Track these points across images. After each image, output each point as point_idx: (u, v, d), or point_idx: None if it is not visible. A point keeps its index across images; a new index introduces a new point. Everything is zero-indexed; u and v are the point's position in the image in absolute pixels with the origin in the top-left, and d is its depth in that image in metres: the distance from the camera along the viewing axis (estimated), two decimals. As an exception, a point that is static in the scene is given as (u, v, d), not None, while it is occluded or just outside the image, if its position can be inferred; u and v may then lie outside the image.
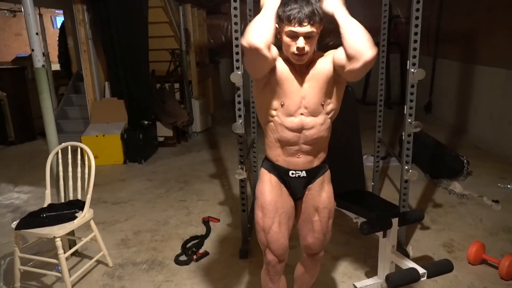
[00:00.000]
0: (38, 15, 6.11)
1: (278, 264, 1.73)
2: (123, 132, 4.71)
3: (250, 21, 3.25)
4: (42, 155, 2.45)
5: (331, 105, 1.62)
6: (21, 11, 2.32)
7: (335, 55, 1.53)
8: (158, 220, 3.23)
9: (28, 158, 5.12)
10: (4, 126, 5.72)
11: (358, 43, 1.41)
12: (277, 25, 1.47)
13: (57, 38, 6.86)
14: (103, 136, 4.63)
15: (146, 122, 4.92)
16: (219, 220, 3.16)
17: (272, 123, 1.64)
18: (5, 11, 9.52)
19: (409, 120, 2.39)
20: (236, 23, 2.36)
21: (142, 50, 4.93)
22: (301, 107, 1.57)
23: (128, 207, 3.51)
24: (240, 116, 2.43)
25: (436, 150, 4.10)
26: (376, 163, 3.36)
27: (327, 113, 1.63)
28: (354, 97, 2.60)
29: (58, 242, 2.17)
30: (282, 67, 1.54)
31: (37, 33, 2.37)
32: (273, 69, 1.54)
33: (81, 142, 4.51)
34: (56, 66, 7.13)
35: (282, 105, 1.57)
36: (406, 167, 2.46)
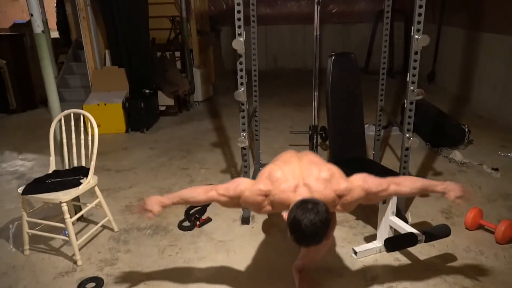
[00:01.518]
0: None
1: None
2: (125, 101, 4.70)
3: (252, -14, 3.18)
4: (45, 124, 2.45)
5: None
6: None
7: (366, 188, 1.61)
8: (161, 188, 3.28)
9: (31, 127, 5.14)
10: (5, 94, 5.71)
11: None
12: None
13: (55, 5, 6.72)
14: (105, 105, 4.63)
15: (147, 91, 4.90)
16: (221, 187, 3.20)
17: None
18: (1, -24, 9.29)
19: (412, 87, 2.38)
20: (238, -12, 2.30)
21: (142, 17, 4.85)
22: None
23: (131, 175, 3.56)
24: (242, 84, 2.42)
25: (437, 119, 4.09)
26: (378, 132, 3.37)
27: None
28: (357, 65, 2.58)
29: (65, 207, 2.22)
30: None
31: (35, -3, 2.32)
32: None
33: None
34: (55, 34, 7.02)
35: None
36: (407, 135, 2.47)
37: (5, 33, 6.44)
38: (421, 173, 3.41)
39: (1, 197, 3.19)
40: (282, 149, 2.92)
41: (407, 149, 2.49)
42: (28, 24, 6.83)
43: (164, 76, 5.20)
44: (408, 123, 2.46)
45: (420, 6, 2.23)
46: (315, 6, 3.25)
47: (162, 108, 5.34)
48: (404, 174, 2.55)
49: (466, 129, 3.87)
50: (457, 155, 3.66)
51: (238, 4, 2.33)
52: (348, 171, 2.68)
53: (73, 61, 6.29)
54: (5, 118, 5.64)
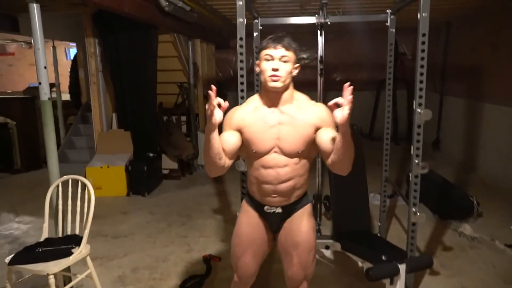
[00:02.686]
0: (52, 47, 6.28)
1: (244, 285, 1.94)
2: (128, 164, 4.69)
3: (256, 58, 3.30)
4: (46, 184, 2.44)
5: (307, 153, 1.71)
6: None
7: (321, 137, 1.64)
8: (157, 256, 3.14)
9: (32, 186, 5.10)
10: (11, 154, 5.76)
11: (344, 166, 1.58)
12: (257, 62, 1.68)
13: (69, 69, 7.01)
14: (108, 167, 4.62)
15: (151, 154, 4.91)
16: (220, 259, 3.05)
17: (250, 160, 1.77)
18: (22, 42, 9.83)
19: (416, 160, 2.33)
20: (241, 61, 2.37)
21: (150, 83, 5.00)
22: (274, 147, 1.67)
23: (128, 242, 3.43)
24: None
25: (444, 189, 4.00)
26: (383, 203, 3.27)
27: (304, 157, 1.72)
28: (359, 135, 2.56)
29: (51, 280, 2.10)
30: (249, 121, 1.68)
31: (45, 67, 2.39)
32: (242, 129, 1.69)
33: (85, 172, 4.55)
34: (66, 96, 7.25)
35: (254, 152, 1.69)
36: (414, 209, 2.38)
37: (18, 96, 6.67)
38: (430, 248, 3.25)
39: (-10, 263, 3.06)
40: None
41: (413, 224, 2.39)
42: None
43: (168, 139, 5.25)
44: (414, 197, 2.38)
45: (421, 81, 2.26)
46: (318, 78, 3.33)
47: (166, 172, 5.31)
48: (412, 251, 2.42)
49: (475, 201, 3.76)
50: (467, 228, 3.51)
51: (242, 76, 2.38)
52: (353, 247, 2.56)
53: (81, 123, 6.41)
54: (8, 177, 5.63)
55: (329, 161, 1.60)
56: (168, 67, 5.83)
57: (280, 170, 1.68)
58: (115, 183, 4.63)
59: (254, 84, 3.23)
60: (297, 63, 1.66)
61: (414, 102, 2.29)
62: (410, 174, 2.40)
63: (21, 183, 5.38)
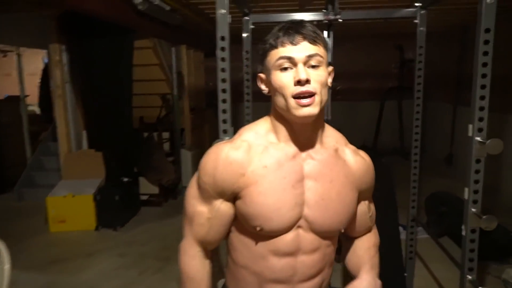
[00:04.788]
0: (16, 55, 5.56)
1: None
2: (97, 192, 3.96)
3: (246, 65, 2.61)
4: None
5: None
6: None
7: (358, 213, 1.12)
8: (120, 324, 2.41)
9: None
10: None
11: None
12: (261, 75, 1.01)
13: (39, 80, 6.29)
14: (73, 196, 3.88)
15: (126, 179, 4.19)
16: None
17: (244, 238, 1.04)
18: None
19: (474, 209, 1.64)
20: (223, 69, 1.67)
21: (126, 94, 4.30)
22: (299, 220, 1.00)
23: (87, 299, 2.71)
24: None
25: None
26: (410, 247, 2.56)
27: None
28: (390, 174, 1.88)
29: None
30: (256, 175, 0.97)
31: None
32: (240, 191, 0.99)
33: (46, 203, 3.82)
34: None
35: (259, 230, 0.98)
36: (469, 277, 1.68)
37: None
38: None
39: None
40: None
41: (470, 299, 1.68)
42: (6, 99, 6.36)
43: (148, 161, 4.53)
44: (470, 260, 1.68)
45: (482, 97, 1.58)
46: (325, 89, 2.65)
47: (144, 197, 4.59)
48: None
49: (516, 237, 3.07)
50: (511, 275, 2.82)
51: (223, 81, 1.69)
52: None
53: (52, 140, 5.67)
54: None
55: (347, 258, 1.18)
56: (149, 77, 5.14)
57: (306, 258, 1.01)
58: (81, 215, 3.89)
59: (244, 93, 2.58)
60: (330, 64, 0.99)
61: (471, 127, 1.61)
62: (463, 228, 1.70)
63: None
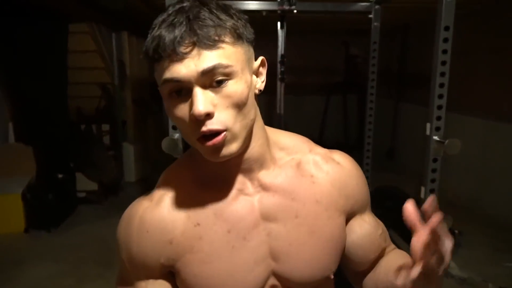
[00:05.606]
0: None
1: None
2: (26, 190, 3.58)
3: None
4: None
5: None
6: None
7: (354, 237, 0.82)
8: None
9: None
10: None
11: None
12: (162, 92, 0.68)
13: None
14: (-3, 196, 3.48)
15: (60, 176, 3.84)
16: None
17: None
18: None
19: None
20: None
21: (60, 83, 3.93)
22: (268, 278, 0.75)
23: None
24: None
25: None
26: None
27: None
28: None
29: None
30: (189, 240, 0.72)
31: None
32: (172, 266, 0.73)
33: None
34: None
35: None
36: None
37: None
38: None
39: None
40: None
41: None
42: None
43: (86, 155, 4.19)
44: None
45: (441, 96, 1.56)
46: (278, 83, 2.58)
47: (82, 195, 4.24)
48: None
49: (456, 231, 3.22)
50: (452, 266, 2.95)
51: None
52: None
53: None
54: None
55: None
56: (87, 65, 4.74)
57: None
58: (8, 216, 3.50)
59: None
60: (253, 57, 0.71)
61: (429, 125, 1.60)
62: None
63: None
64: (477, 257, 3.16)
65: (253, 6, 2.21)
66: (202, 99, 0.61)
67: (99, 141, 4.54)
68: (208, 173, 0.73)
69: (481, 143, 4.27)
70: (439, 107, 1.58)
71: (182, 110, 0.64)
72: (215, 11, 0.63)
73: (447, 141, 1.52)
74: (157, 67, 0.65)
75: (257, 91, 0.71)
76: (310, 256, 0.74)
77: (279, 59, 2.50)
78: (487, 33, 4.24)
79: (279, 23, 2.47)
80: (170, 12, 0.63)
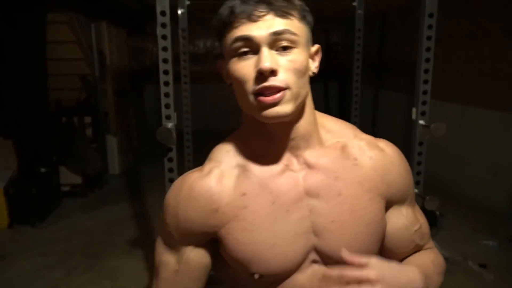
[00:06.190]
0: None
1: None
2: (8, 184, 3.51)
3: (183, 44, 2.44)
4: None
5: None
6: None
7: (392, 226, 0.82)
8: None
9: None
10: None
11: None
12: (220, 61, 0.78)
13: None
14: (-22, 191, 3.40)
15: (43, 170, 3.77)
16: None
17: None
18: None
19: (416, 190, 1.70)
20: (165, 48, 1.51)
21: (40, 75, 3.84)
22: (309, 253, 0.77)
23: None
24: (168, 116, 1.56)
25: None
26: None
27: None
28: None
29: None
30: (235, 209, 0.75)
31: None
32: (216, 232, 0.77)
33: None
34: None
35: (258, 278, 0.75)
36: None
37: None
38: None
39: None
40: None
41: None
42: None
43: (69, 148, 4.13)
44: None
45: (426, 81, 1.62)
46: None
47: (66, 188, 4.18)
48: None
49: (437, 213, 3.35)
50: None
51: (165, 61, 1.53)
52: None
53: None
54: None
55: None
56: (66, 56, 4.63)
57: None
58: (-10, 212, 3.43)
59: (181, 75, 2.42)
60: (311, 41, 0.76)
61: (414, 110, 1.66)
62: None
63: None
64: (457, 237, 3.30)
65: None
66: (269, 57, 0.67)
67: (81, 133, 4.46)
68: (257, 149, 0.78)
69: (458, 127, 4.41)
70: (424, 92, 1.64)
71: (246, 67, 0.69)
72: None
73: (432, 125, 1.59)
74: (228, 31, 0.71)
75: (311, 73, 0.76)
76: (352, 235, 0.75)
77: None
78: (462, 20, 4.35)
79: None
80: None
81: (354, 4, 2.28)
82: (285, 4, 0.69)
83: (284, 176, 0.75)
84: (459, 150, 4.38)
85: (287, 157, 0.77)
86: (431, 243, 0.91)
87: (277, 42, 0.68)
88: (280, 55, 0.69)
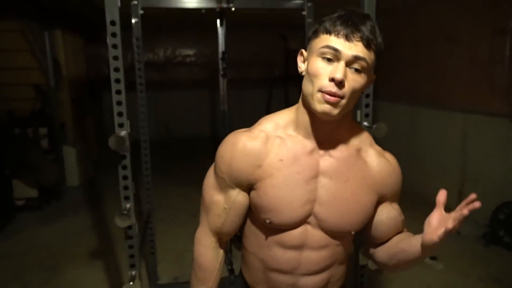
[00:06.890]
0: None
1: None
2: (-42, 200, 3.36)
3: (138, 53, 2.45)
4: None
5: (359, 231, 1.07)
6: None
7: (381, 218, 1.08)
8: None
9: None
10: None
11: (396, 271, 1.12)
12: (304, 51, 0.99)
13: None
14: None
15: (-5, 183, 3.64)
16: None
17: (255, 226, 1.07)
18: None
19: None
20: (115, 57, 1.53)
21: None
22: (308, 216, 1.01)
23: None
24: (127, 199, 1.58)
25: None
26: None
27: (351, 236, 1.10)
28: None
29: None
30: (273, 167, 0.98)
31: None
32: (255, 182, 1.00)
33: None
34: None
35: (269, 223, 1.00)
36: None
37: None
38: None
39: None
40: (189, 251, 2.08)
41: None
42: None
43: (23, 160, 4.00)
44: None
45: (367, 96, 1.73)
46: (220, 79, 2.65)
47: (21, 202, 4.04)
48: None
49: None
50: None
51: (116, 70, 1.55)
52: None
53: None
54: None
55: (378, 258, 1.12)
56: (18, 65, 4.50)
57: (312, 254, 1.03)
58: None
59: (137, 83, 2.41)
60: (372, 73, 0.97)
61: (359, 112, 1.77)
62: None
63: None
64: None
65: (191, 4, 2.27)
66: (343, 71, 0.87)
67: (35, 144, 4.33)
68: (300, 127, 0.99)
69: (408, 126, 4.65)
70: (367, 96, 1.75)
71: (324, 69, 0.89)
72: (377, 29, 0.91)
73: (374, 126, 1.70)
74: (325, 36, 0.90)
75: (362, 91, 0.96)
76: (346, 212, 0.99)
77: (220, 56, 2.57)
78: (407, 27, 4.62)
79: (218, 21, 2.53)
80: (344, 13, 0.90)
81: (304, 13, 2.38)
82: (372, 38, 0.89)
83: (312, 156, 0.98)
84: (412, 148, 4.62)
85: (318, 144, 0.99)
86: (405, 228, 1.17)
87: (353, 63, 0.89)
88: (351, 72, 0.89)
